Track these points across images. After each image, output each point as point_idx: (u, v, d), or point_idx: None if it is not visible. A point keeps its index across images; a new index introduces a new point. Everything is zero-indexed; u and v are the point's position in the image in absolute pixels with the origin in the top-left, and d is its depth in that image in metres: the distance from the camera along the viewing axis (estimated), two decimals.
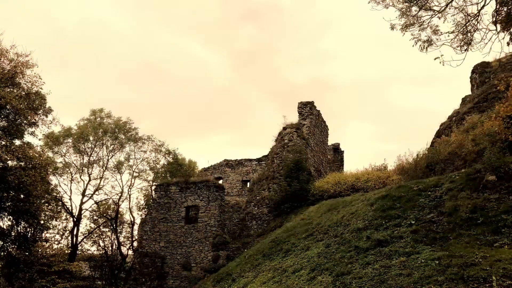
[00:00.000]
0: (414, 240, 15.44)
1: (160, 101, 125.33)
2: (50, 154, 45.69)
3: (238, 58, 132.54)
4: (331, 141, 48.18)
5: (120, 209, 51.82)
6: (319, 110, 41.50)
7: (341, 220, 21.18)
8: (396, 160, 33.63)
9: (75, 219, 46.93)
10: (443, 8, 18.61)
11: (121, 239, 53.47)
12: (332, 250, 18.13)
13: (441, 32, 19.17)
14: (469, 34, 17.25)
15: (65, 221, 49.30)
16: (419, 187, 19.72)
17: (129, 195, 51.29)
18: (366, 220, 19.12)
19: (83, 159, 48.15)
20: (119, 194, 50.54)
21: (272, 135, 39.16)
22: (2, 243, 32.58)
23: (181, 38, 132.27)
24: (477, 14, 16.91)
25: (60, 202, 46.16)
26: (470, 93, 37.37)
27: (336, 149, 49.84)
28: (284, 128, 37.56)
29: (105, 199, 51.66)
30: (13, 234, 32.98)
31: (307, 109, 38.82)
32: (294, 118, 39.22)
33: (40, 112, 33.07)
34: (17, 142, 32.16)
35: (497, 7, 16.04)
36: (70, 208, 47.47)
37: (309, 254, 19.16)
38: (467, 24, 17.24)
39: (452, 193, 17.52)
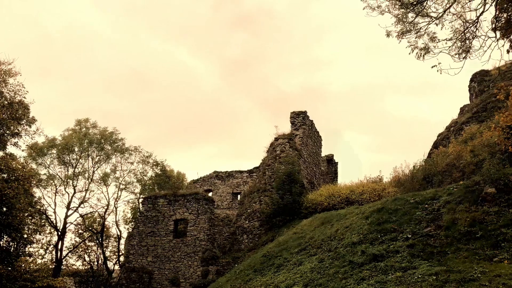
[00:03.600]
0: (410, 255, 15.23)
1: (148, 111, 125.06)
2: (34, 166, 45.28)
3: (228, 66, 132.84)
4: (324, 152, 48.12)
5: (106, 223, 51.54)
6: (312, 120, 41.47)
7: (335, 234, 20.95)
8: (392, 172, 33.74)
9: (59, 233, 46.38)
10: (440, 14, 18.53)
11: (107, 253, 53.05)
12: (325, 265, 17.85)
13: (439, 40, 19.04)
14: (467, 41, 17.20)
15: (49, 235, 48.83)
16: (415, 199, 19.55)
17: (116, 208, 51.00)
18: (361, 234, 18.89)
19: (67, 170, 47.81)
20: (105, 207, 50.21)
21: (264, 146, 38.95)
22: None
23: (169, 44, 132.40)
24: (476, 20, 16.86)
25: (44, 216, 45.68)
26: (468, 102, 37.36)
27: (330, 160, 49.78)
28: (276, 139, 37.44)
29: (91, 212, 51.25)
30: None
31: (300, 119, 38.77)
32: (286, 128, 39.13)
33: (23, 122, 32.74)
34: (0, 153, 31.79)
35: (497, 13, 15.98)
36: (54, 222, 47.00)
37: (302, 269, 18.88)
38: (465, 31, 17.19)
39: (450, 206, 17.36)
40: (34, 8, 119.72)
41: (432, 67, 18.81)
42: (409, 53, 19.24)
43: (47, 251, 49.00)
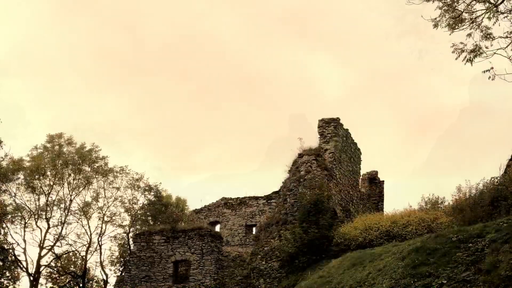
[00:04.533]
0: None
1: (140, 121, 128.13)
2: None
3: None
4: (365, 168, 49.55)
5: (88, 264, 54.10)
6: (347, 129, 43.02)
7: (366, 278, 23.78)
8: (455, 193, 33.70)
9: (31, 278, 49.38)
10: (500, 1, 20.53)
11: None
12: None
13: (493, 37, 21.46)
14: None
15: (11, 281, 51.65)
16: (458, 237, 22.27)
17: (100, 246, 53.68)
18: (393, 279, 21.74)
19: (39, 200, 50.80)
20: (87, 245, 52.98)
21: (285, 164, 40.70)
22: None
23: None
24: None
25: (13, 256, 48.62)
26: None
27: (373, 179, 50.84)
28: (300, 155, 39.19)
29: (69, 252, 54.04)
30: None
31: (331, 128, 40.30)
32: (313, 141, 40.61)
33: None
34: None
35: None
36: (25, 264, 49.90)
37: None
38: None
39: (495, 246, 20.09)
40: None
41: (484, 71, 21.34)
42: (456, 59, 21.61)
43: None
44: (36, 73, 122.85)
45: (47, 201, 50.87)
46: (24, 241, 50.37)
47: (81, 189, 52.51)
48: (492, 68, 20.52)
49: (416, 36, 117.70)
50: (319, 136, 40.45)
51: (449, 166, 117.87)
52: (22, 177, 50.45)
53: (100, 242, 53.72)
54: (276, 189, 44.73)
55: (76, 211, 52.52)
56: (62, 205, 51.70)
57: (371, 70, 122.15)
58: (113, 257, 56.43)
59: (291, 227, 35.46)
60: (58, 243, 52.09)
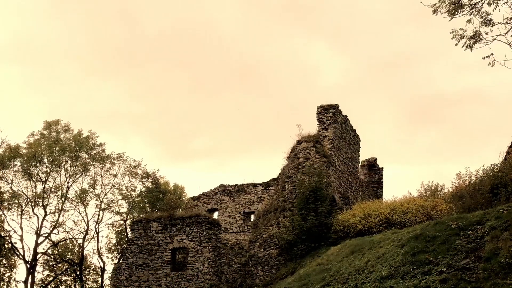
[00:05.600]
0: None
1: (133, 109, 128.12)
2: None
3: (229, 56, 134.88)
4: (364, 155, 49.80)
5: (85, 252, 54.40)
6: (346, 116, 43.23)
7: (365, 266, 23.82)
8: (455, 180, 34.28)
9: (29, 266, 49.63)
10: None
11: None
12: None
13: (493, 23, 21.48)
14: None
15: (8, 269, 52.02)
16: (458, 224, 22.33)
17: (97, 233, 53.92)
18: (392, 267, 21.76)
19: (35, 187, 50.93)
20: (84, 232, 53.22)
21: (283, 151, 40.75)
22: None
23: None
24: None
25: (9, 244, 48.85)
26: None
27: (372, 166, 51.10)
28: (299, 142, 39.31)
29: (66, 239, 54.30)
30: None
31: (330, 115, 40.40)
32: (311, 127, 40.78)
33: None
34: None
35: None
36: (22, 252, 50.24)
37: None
38: None
39: (495, 233, 20.13)
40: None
41: (484, 58, 21.41)
42: (455, 45, 21.66)
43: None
44: (34, 60, 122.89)
45: (44, 188, 51.05)
46: (21, 228, 50.75)
47: (78, 176, 52.73)
48: (492, 54, 20.56)
49: (416, 22, 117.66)
50: (317, 123, 40.54)
51: (448, 153, 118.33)
52: (18, 164, 50.65)
53: (97, 230, 54.14)
54: (275, 176, 44.92)
55: (73, 198, 52.74)
56: (59, 192, 51.88)
57: (370, 57, 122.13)
58: (110, 244, 56.87)
59: (289, 215, 35.67)
60: (55, 231, 52.45)
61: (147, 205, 53.38)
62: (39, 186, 51.23)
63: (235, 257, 38.04)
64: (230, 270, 37.85)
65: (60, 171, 51.83)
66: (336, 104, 40.98)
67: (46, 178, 51.14)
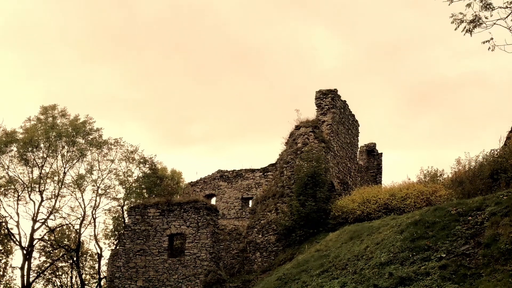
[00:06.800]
0: (441, 278, 18.10)
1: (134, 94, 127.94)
2: None
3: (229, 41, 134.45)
4: (363, 140, 49.95)
5: (82, 238, 54.48)
6: (345, 101, 43.31)
7: (364, 252, 23.85)
8: (454, 166, 34.50)
9: (25, 252, 49.72)
10: None
11: (85, 276, 56.28)
12: None
13: (493, 7, 21.46)
14: None
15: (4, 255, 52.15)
16: (458, 210, 22.32)
17: (94, 219, 54.00)
18: (391, 253, 21.78)
19: (32, 172, 50.91)
20: (81, 218, 53.25)
21: (282, 136, 40.83)
22: None
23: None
24: None
25: (6, 230, 48.93)
26: None
27: (371, 151, 51.23)
28: (297, 127, 39.33)
29: (63, 225, 54.37)
30: None
31: (328, 99, 40.41)
32: (310, 112, 40.74)
33: None
34: None
35: None
36: (18, 237, 50.30)
37: None
38: None
39: (495, 219, 20.11)
40: None
41: (483, 42, 21.45)
42: (455, 29, 21.68)
43: (5, 273, 52.63)
44: (30, 46, 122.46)
45: (40, 173, 51.03)
46: (17, 214, 50.81)
47: (75, 161, 52.71)
48: (491, 38, 20.67)
49: (416, 6, 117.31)
50: (316, 108, 40.58)
51: (448, 138, 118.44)
52: (15, 149, 50.62)
53: (94, 215, 54.18)
54: (273, 161, 45.01)
55: (70, 184, 52.79)
56: (56, 178, 51.85)
57: (370, 42, 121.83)
58: (107, 230, 56.89)
59: (288, 200, 35.79)
60: (51, 216, 52.54)
61: (145, 190, 53.40)
62: (36, 172, 51.28)
63: (233, 243, 38.17)
64: (228, 256, 37.98)
65: (57, 156, 51.77)
66: (335, 89, 41.01)
67: (43, 163, 51.08)
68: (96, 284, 56.11)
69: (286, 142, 40.06)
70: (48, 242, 54.49)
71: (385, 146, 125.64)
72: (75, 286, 56.16)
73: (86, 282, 56.08)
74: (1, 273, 52.86)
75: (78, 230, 53.62)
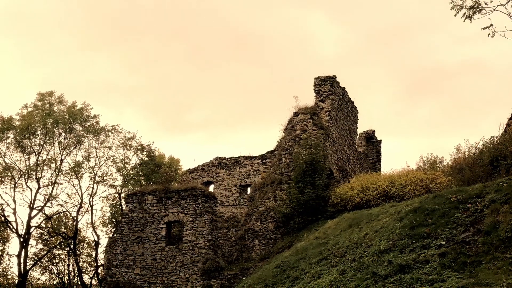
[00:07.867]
0: (441, 265, 18.11)
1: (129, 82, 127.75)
2: None
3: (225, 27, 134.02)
4: (362, 127, 49.99)
5: (79, 226, 54.56)
6: (344, 88, 43.24)
7: (363, 239, 23.86)
8: (454, 153, 34.66)
9: (21, 239, 49.78)
10: None
11: (82, 264, 56.39)
12: (346, 278, 20.86)
13: None
14: None
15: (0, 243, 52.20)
16: (457, 197, 22.30)
17: (91, 207, 54.01)
18: (390, 240, 21.78)
19: (29, 159, 50.87)
20: (78, 205, 53.29)
21: (280, 123, 40.91)
22: None
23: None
24: None
25: (2, 217, 48.93)
26: None
27: (370, 138, 51.26)
28: (296, 114, 39.30)
29: (60, 213, 54.40)
30: None
31: (327, 86, 40.34)
32: (309, 99, 40.82)
33: None
34: None
35: None
36: (15, 225, 50.35)
37: (320, 283, 21.87)
38: None
39: (495, 206, 20.10)
40: None
41: (483, 29, 21.39)
42: (455, 15, 21.62)
43: (1, 261, 52.70)
44: (27, 32, 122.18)
45: (37, 160, 51.00)
46: (14, 201, 50.77)
47: (72, 148, 52.68)
48: (491, 25, 20.57)
49: None
50: (315, 95, 40.54)
51: (448, 125, 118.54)
52: (11, 136, 50.58)
53: (91, 203, 54.20)
54: (271, 148, 45.10)
55: (67, 171, 52.69)
56: (53, 165, 51.85)
57: (369, 28, 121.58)
58: (105, 218, 57.10)
59: (286, 187, 35.79)
60: (48, 204, 52.49)
61: (142, 178, 53.48)
62: (33, 159, 51.21)
63: (231, 230, 38.27)
64: (226, 243, 38.08)
65: (54, 143, 51.75)
66: (334, 76, 40.97)
67: (40, 150, 51.08)
68: (93, 271, 56.25)
69: (285, 129, 40.06)
70: (45, 230, 54.56)
71: (384, 133, 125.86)
72: (72, 274, 56.31)
73: (83, 270, 56.20)
74: None
75: (75, 218, 53.69)
